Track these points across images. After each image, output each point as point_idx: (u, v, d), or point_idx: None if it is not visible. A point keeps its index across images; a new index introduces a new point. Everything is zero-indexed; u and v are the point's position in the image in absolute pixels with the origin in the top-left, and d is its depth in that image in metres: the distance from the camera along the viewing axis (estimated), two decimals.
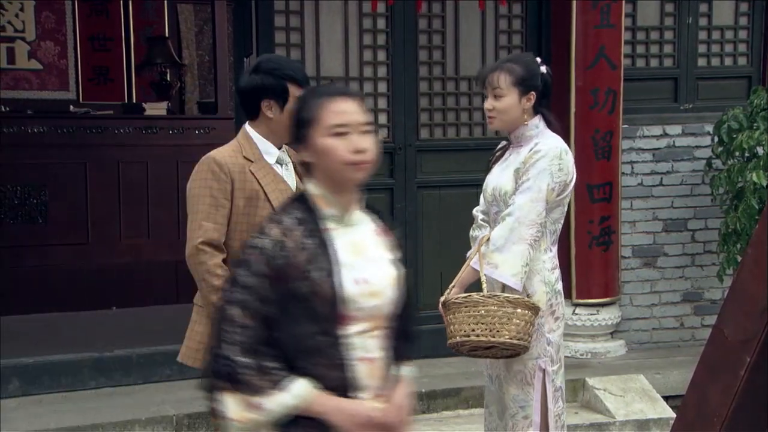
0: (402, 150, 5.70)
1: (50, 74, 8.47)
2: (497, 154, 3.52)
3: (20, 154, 7.30)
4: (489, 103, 3.37)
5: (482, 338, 3.07)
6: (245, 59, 5.55)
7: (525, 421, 3.32)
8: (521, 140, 3.38)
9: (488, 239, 3.27)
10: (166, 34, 9.18)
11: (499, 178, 3.38)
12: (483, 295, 3.11)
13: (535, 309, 3.17)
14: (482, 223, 3.48)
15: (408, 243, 5.72)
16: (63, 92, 8.54)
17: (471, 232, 3.56)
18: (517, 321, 3.09)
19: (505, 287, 3.27)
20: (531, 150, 3.30)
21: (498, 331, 3.07)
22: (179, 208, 7.64)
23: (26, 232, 7.36)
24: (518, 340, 3.10)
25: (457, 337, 3.11)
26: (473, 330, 3.07)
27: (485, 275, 3.22)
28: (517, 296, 3.17)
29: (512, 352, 3.17)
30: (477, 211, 3.54)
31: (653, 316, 6.04)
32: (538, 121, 3.38)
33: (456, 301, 3.13)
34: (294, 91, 3.05)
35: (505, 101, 3.32)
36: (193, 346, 3.13)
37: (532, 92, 3.33)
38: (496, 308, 3.07)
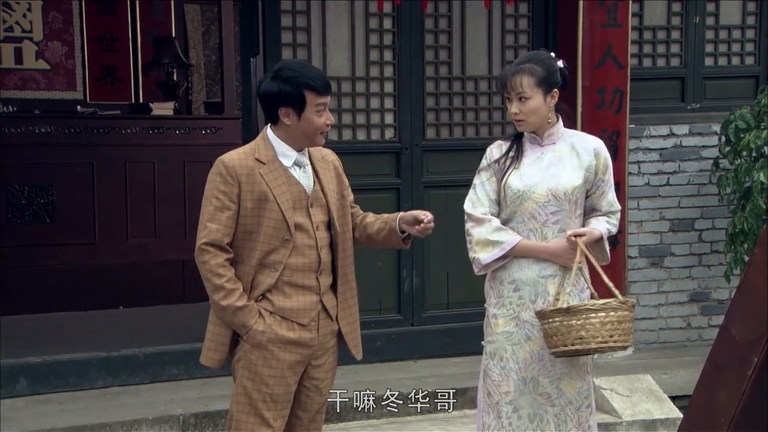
0: (408, 150, 5.70)
1: (58, 74, 8.48)
2: (510, 154, 3.44)
3: (28, 154, 7.32)
4: (515, 107, 3.36)
5: (619, 343, 3.16)
6: (252, 59, 5.56)
7: (588, 410, 3.41)
8: (554, 138, 3.43)
9: (581, 238, 3.33)
10: (173, 34, 9.20)
11: (556, 178, 3.35)
12: (620, 301, 3.20)
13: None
14: (503, 226, 3.40)
15: (414, 243, 5.69)
16: (70, 92, 8.55)
17: (488, 236, 3.38)
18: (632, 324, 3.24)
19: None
20: (588, 147, 3.42)
21: (628, 335, 3.19)
22: (186, 208, 7.66)
23: (34, 231, 7.38)
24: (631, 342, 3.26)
25: (593, 344, 3.14)
26: (611, 336, 3.14)
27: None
28: (630, 300, 3.29)
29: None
30: (485, 214, 3.41)
31: (660, 316, 6.03)
32: (561, 119, 3.46)
33: (593, 307, 3.17)
34: (312, 99, 3.07)
35: (532, 103, 3.34)
36: (205, 345, 3.16)
37: (555, 89, 3.38)
38: (627, 313, 3.18)
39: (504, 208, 3.43)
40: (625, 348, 3.24)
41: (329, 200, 3.18)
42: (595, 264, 3.33)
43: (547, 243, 3.36)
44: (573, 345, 3.14)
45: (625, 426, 5.02)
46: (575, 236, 3.32)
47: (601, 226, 3.42)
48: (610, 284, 3.32)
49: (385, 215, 3.36)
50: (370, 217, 3.38)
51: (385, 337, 5.66)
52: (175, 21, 9.27)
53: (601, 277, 3.30)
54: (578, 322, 3.13)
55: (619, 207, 3.51)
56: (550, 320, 3.20)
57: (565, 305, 3.24)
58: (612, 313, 3.14)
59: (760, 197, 5.31)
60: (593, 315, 3.12)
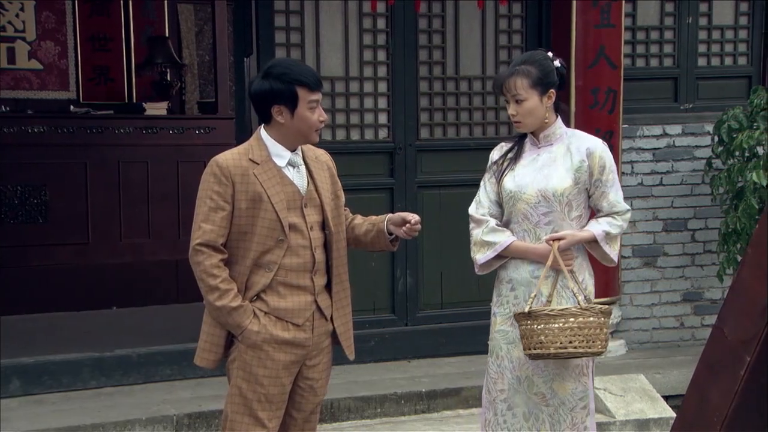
0: (402, 150, 5.70)
1: (50, 74, 8.46)
2: (508, 155, 3.47)
3: (21, 154, 7.31)
4: (512, 109, 3.38)
5: (579, 350, 3.16)
6: (245, 59, 5.55)
7: (584, 411, 3.42)
8: (551, 139, 3.42)
9: (558, 242, 3.31)
10: (167, 34, 9.17)
11: (547, 179, 3.36)
12: (581, 308, 3.19)
13: (608, 314, 3.28)
14: (497, 227, 3.42)
15: (408, 243, 5.72)
16: (63, 92, 8.52)
17: (483, 237, 3.42)
18: (606, 330, 3.22)
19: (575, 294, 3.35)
20: (581, 148, 3.38)
21: (593, 341, 3.18)
22: (179, 208, 7.66)
23: (27, 231, 7.37)
24: (603, 348, 3.23)
25: (551, 349, 3.16)
26: (570, 342, 3.15)
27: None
28: (601, 306, 3.27)
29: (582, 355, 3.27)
30: (484, 215, 3.45)
31: (653, 315, 6.04)
32: (561, 120, 3.45)
33: (551, 313, 3.17)
34: (304, 96, 3.07)
35: (527, 105, 3.34)
36: (200, 345, 3.16)
37: (551, 90, 3.37)
38: (593, 319, 3.17)
39: (504, 209, 3.46)
40: (594, 354, 3.22)
41: (323, 200, 3.18)
42: (563, 269, 3.31)
43: (537, 245, 3.38)
44: (534, 349, 3.19)
45: (618, 425, 5.02)
46: (553, 240, 3.33)
47: (598, 227, 3.40)
48: (575, 289, 3.33)
49: (373, 217, 3.36)
50: (358, 219, 3.38)
51: (379, 337, 5.66)
52: (168, 21, 9.25)
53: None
54: (539, 327, 3.16)
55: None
56: (520, 323, 3.24)
57: (558, 306, 3.26)
58: (572, 320, 3.14)
59: (753, 197, 5.33)
60: (552, 321, 3.14)
